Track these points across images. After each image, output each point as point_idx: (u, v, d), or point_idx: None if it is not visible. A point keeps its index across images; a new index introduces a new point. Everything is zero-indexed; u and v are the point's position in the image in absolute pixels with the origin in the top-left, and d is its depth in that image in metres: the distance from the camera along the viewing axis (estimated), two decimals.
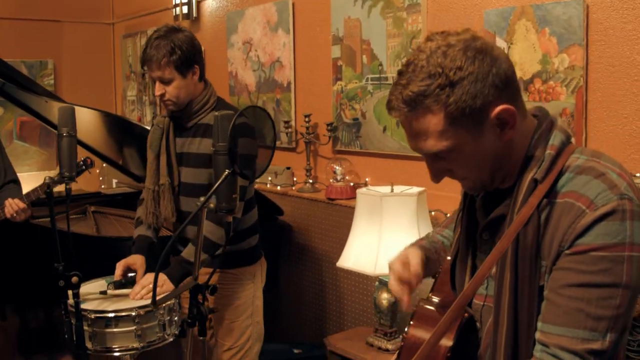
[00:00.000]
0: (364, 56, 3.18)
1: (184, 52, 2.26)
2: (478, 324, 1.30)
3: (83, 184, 4.85)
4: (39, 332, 4.28)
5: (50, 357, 3.90)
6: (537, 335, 1.15)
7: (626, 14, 2.21)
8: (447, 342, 1.25)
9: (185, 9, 4.55)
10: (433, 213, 2.74)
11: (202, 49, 2.44)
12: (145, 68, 2.32)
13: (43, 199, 2.91)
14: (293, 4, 3.64)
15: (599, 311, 1.09)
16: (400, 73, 1.16)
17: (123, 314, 2.08)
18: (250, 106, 2.13)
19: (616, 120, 2.26)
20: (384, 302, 2.67)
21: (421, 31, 2.89)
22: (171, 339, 2.17)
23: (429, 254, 1.47)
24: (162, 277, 2.20)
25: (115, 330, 2.07)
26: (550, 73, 2.41)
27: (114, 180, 5.35)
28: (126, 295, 2.22)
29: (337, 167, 3.25)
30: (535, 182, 1.16)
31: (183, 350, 2.67)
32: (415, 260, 1.40)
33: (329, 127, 3.35)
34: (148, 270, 2.32)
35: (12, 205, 2.93)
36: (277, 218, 3.54)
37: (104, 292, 2.23)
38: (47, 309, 4.21)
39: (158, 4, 4.99)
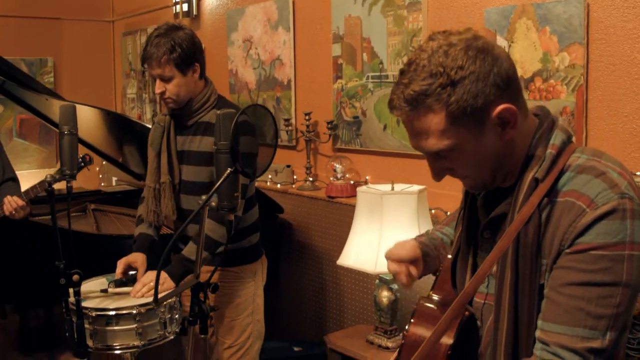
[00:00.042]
0: (365, 54, 3.18)
1: (184, 50, 2.26)
2: (479, 322, 1.30)
3: (83, 182, 4.86)
4: (38, 330, 4.29)
5: (50, 355, 3.91)
6: (537, 333, 1.15)
7: (626, 13, 2.21)
8: (447, 340, 1.26)
9: (185, 7, 4.55)
10: (433, 211, 2.75)
11: (203, 46, 2.43)
12: (146, 66, 2.32)
13: (43, 196, 2.91)
14: (293, 2, 3.64)
15: (599, 310, 1.09)
16: (402, 72, 1.17)
17: (124, 312, 2.08)
18: (251, 104, 2.14)
19: (616, 119, 2.27)
20: (384, 300, 2.67)
21: (422, 29, 2.89)
22: (172, 337, 2.17)
23: (428, 250, 1.48)
24: (163, 275, 2.20)
25: (116, 328, 2.07)
26: (550, 72, 2.41)
27: (114, 178, 5.35)
28: (127, 294, 2.22)
29: (337, 165, 3.25)
30: (536, 181, 1.17)
31: (184, 348, 2.68)
32: (411, 242, 1.44)
33: (329, 125, 3.35)
34: (149, 268, 2.32)
35: (11, 203, 2.94)
36: (277, 216, 3.54)
37: (104, 291, 2.23)
38: (47, 307, 4.22)
39: (158, 2, 4.99)
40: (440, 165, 1.22)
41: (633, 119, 2.23)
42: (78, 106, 2.37)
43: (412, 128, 1.18)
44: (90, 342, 2.08)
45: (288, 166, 3.65)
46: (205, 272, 1.87)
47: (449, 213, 2.65)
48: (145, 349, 2.12)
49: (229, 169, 1.54)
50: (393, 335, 2.69)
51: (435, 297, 1.44)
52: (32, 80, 3.97)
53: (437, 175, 1.24)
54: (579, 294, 1.10)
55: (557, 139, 1.19)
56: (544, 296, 1.16)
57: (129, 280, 2.28)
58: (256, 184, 2.69)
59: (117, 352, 2.11)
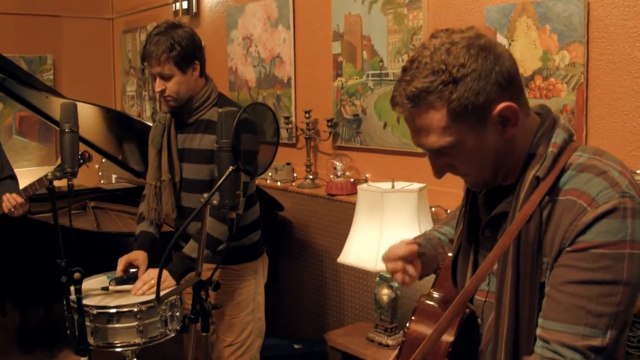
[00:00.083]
0: (365, 52, 3.19)
1: (183, 48, 2.26)
2: (479, 320, 1.31)
3: (83, 180, 4.86)
4: (38, 327, 4.29)
5: (50, 352, 3.91)
6: (538, 331, 1.16)
7: (627, 11, 2.21)
8: (448, 337, 1.26)
9: (185, 4, 4.55)
10: (434, 209, 2.75)
11: (203, 44, 2.43)
12: (146, 64, 2.32)
13: (44, 194, 2.91)
14: (293, 0, 3.63)
15: (599, 308, 1.09)
16: (404, 69, 1.18)
17: (125, 309, 2.08)
18: (253, 103, 2.14)
19: (616, 117, 2.27)
20: (385, 298, 2.68)
21: (422, 27, 2.89)
22: (173, 335, 2.18)
23: (424, 250, 1.49)
24: (164, 272, 2.20)
25: (117, 325, 2.08)
26: (550, 70, 2.42)
27: (114, 176, 5.35)
28: (128, 291, 2.22)
29: (338, 163, 3.25)
30: (537, 180, 1.17)
31: (185, 346, 2.69)
32: (407, 242, 1.44)
33: (329, 123, 3.35)
34: (150, 266, 2.33)
35: (10, 200, 2.94)
36: (277, 214, 3.54)
37: (105, 288, 2.23)
38: (47, 305, 4.22)
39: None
40: (442, 162, 1.23)
41: (633, 117, 2.23)
42: (78, 104, 2.37)
43: (413, 125, 1.19)
44: (91, 340, 2.08)
45: (288, 164, 3.65)
46: (206, 270, 1.87)
47: (449, 211, 2.65)
48: (146, 346, 2.13)
49: (231, 167, 1.54)
50: (393, 333, 2.69)
51: (436, 295, 1.44)
52: (32, 78, 3.97)
53: (438, 172, 1.25)
54: (579, 292, 1.10)
55: (558, 137, 1.19)
56: (545, 294, 1.16)
57: (129, 278, 2.28)
58: (256, 181, 2.70)
59: (118, 349, 2.11)
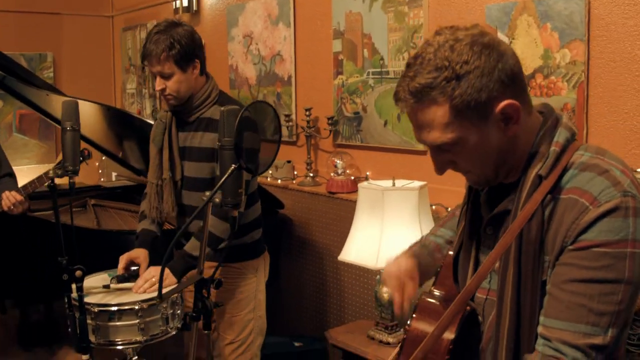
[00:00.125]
0: (365, 50, 3.19)
1: (183, 46, 2.26)
2: (480, 318, 1.31)
3: (83, 177, 4.86)
4: (39, 325, 4.30)
5: (50, 350, 3.91)
6: (540, 329, 1.16)
7: (628, 10, 2.22)
8: (449, 335, 1.27)
9: (185, 2, 4.54)
10: (434, 207, 2.75)
11: (203, 42, 2.43)
12: (146, 63, 2.32)
13: (44, 192, 2.92)
14: None
15: (601, 307, 1.10)
16: (408, 65, 1.18)
17: (126, 307, 2.09)
18: (255, 101, 2.14)
19: (617, 116, 2.27)
20: (385, 296, 2.68)
21: (422, 26, 2.90)
22: (174, 333, 2.18)
23: (421, 259, 1.49)
24: (165, 270, 2.21)
25: (118, 323, 2.08)
26: (551, 68, 2.42)
27: (114, 174, 5.35)
28: (129, 289, 2.23)
29: (338, 161, 3.25)
30: (539, 178, 1.17)
31: (186, 344, 2.69)
32: (407, 262, 1.44)
33: (330, 121, 3.35)
34: (151, 263, 2.33)
35: (10, 198, 2.94)
36: (277, 212, 3.55)
37: (107, 286, 2.23)
38: (47, 303, 4.22)
39: None
40: (443, 158, 1.23)
41: (633, 116, 2.23)
42: (78, 102, 2.37)
43: (416, 121, 1.19)
44: (92, 338, 2.09)
45: (288, 162, 3.66)
46: (207, 268, 1.88)
47: (449, 209, 2.66)
48: (147, 344, 2.13)
49: (233, 165, 1.55)
50: (394, 331, 2.70)
51: (437, 293, 1.44)
52: (32, 76, 3.96)
53: (440, 168, 1.25)
54: (581, 291, 1.11)
55: (560, 136, 1.19)
56: (547, 292, 1.16)
57: (131, 276, 2.28)
58: (257, 179, 2.69)
59: (120, 347, 2.12)
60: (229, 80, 4.20)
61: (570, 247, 1.12)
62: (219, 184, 1.54)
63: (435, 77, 1.13)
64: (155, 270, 2.25)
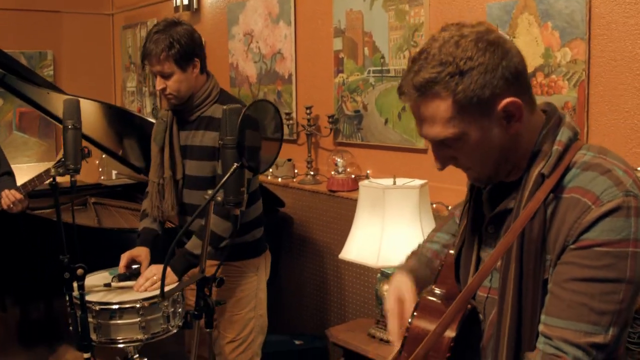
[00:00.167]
0: (366, 48, 3.19)
1: (182, 46, 2.26)
2: (481, 316, 1.31)
3: (83, 175, 4.85)
4: (39, 323, 4.30)
5: (51, 348, 3.91)
6: (541, 327, 1.16)
7: (629, 9, 2.22)
8: (450, 333, 1.27)
9: (185, 0, 4.54)
10: (435, 205, 2.76)
11: (203, 41, 2.43)
12: (146, 62, 2.32)
13: (45, 190, 2.92)
14: None
15: (602, 306, 1.10)
16: (413, 60, 1.19)
17: (127, 305, 2.09)
18: (258, 100, 2.14)
19: (618, 114, 2.27)
20: (386, 294, 2.68)
21: (423, 24, 2.90)
22: (175, 331, 2.18)
23: (419, 272, 1.48)
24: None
25: (119, 322, 2.09)
26: (552, 67, 2.42)
27: (114, 172, 5.35)
28: (130, 288, 2.23)
29: (339, 159, 3.26)
30: (542, 177, 1.18)
31: (187, 342, 2.69)
32: (409, 294, 1.42)
33: (330, 120, 3.35)
34: (152, 262, 2.33)
35: (9, 196, 2.93)
36: (278, 210, 3.55)
37: (108, 285, 2.24)
38: (47, 301, 4.22)
39: None
40: (445, 154, 1.23)
41: (634, 115, 2.23)
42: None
43: (419, 114, 1.20)
44: (93, 336, 2.09)
45: (289, 160, 3.66)
46: (209, 267, 1.88)
47: (450, 207, 2.66)
48: (148, 342, 2.14)
49: (235, 164, 1.55)
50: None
51: (437, 291, 1.44)
52: (32, 74, 3.96)
53: (441, 163, 1.25)
54: (582, 290, 1.11)
55: (563, 135, 1.20)
56: (548, 291, 1.17)
57: (132, 274, 2.28)
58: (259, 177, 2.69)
59: (121, 345, 2.12)
60: (229, 79, 4.20)
61: (572, 246, 1.13)
62: (222, 182, 1.54)
63: (439, 72, 1.13)
64: (156, 269, 2.25)
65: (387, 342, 2.67)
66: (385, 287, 2.69)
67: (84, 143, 3.54)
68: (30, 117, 5.49)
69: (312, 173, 3.50)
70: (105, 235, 3.36)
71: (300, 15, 3.62)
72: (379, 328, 2.73)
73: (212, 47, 4.30)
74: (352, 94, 3.28)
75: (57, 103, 3.77)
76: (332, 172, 3.29)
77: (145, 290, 2.19)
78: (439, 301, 1.39)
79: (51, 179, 2.09)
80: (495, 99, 1.14)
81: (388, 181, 2.62)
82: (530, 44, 2.47)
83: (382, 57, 3.10)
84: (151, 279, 2.21)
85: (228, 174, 1.53)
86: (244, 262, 2.44)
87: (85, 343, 2.06)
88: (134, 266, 2.32)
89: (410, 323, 1.37)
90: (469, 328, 1.30)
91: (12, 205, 2.94)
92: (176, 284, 2.23)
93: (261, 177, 3.61)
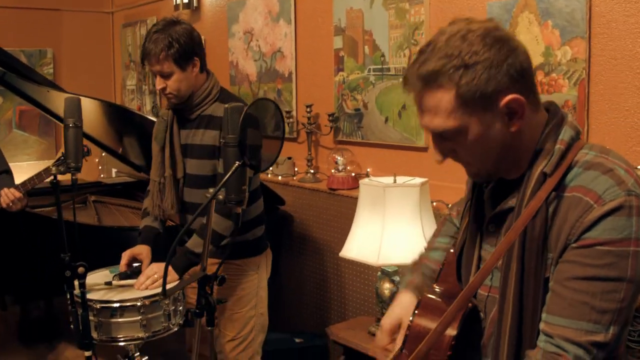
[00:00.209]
0: (366, 47, 3.19)
1: (181, 45, 2.25)
2: (482, 314, 1.32)
3: (83, 174, 4.86)
4: (39, 321, 4.30)
5: (51, 346, 3.92)
6: (542, 326, 1.17)
7: (629, 7, 2.22)
8: (451, 331, 1.27)
9: None
10: (435, 204, 2.76)
11: (203, 39, 2.42)
12: (146, 62, 2.32)
13: (46, 188, 2.92)
14: None
15: (603, 304, 1.11)
16: (420, 51, 1.20)
17: (128, 304, 2.09)
18: (260, 98, 2.14)
19: (618, 113, 2.28)
20: (386, 292, 2.69)
21: (423, 23, 2.90)
22: (176, 329, 2.19)
23: (420, 288, 1.48)
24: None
25: (120, 320, 2.09)
26: (552, 65, 2.42)
27: (114, 170, 5.36)
28: (131, 286, 2.23)
29: (339, 158, 3.26)
30: (544, 176, 1.18)
31: (188, 340, 2.70)
32: (411, 300, 1.43)
33: (331, 118, 3.36)
34: (153, 260, 2.33)
35: (8, 195, 2.93)
36: (278, 208, 3.55)
37: (109, 283, 2.24)
38: (47, 299, 4.23)
39: None
40: (445, 146, 1.23)
41: (634, 113, 2.24)
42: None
43: (422, 105, 1.20)
44: (94, 334, 2.09)
45: (289, 158, 3.66)
46: (210, 265, 1.88)
47: (450, 205, 2.66)
48: (149, 340, 2.14)
49: (237, 162, 1.55)
50: (397, 331, 2.69)
51: (439, 290, 1.45)
52: (32, 72, 3.96)
53: (441, 155, 1.25)
54: (583, 288, 1.11)
55: (566, 134, 1.20)
56: (549, 289, 1.17)
57: (133, 272, 2.29)
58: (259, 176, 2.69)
59: (122, 343, 2.12)
60: (229, 77, 4.20)
61: (574, 245, 1.13)
62: (223, 180, 1.54)
63: (444, 63, 1.14)
64: (157, 267, 2.25)
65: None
66: (386, 285, 2.70)
67: (85, 141, 3.54)
68: (30, 115, 5.49)
69: (312, 171, 3.50)
70: (105, 234, 3.37)
71: (301, 14, 3.62)
72: (379, 326, 2.73)
73: (212, 46, 4.31)
74: (352, 92, 3.28)
75: (57, 101, 3.78)
76: (333, 171, 3.29)
77: (146, 288, 2.19)
78: (440, 299, 1.39)
79: (52, 177, 2.09)
80: (499, 95, 1.15)
81: (388, 179, 2.63)
82: (530, 42, 2.47)
83: (383, 55, 3.10)
84: (152, 277, 2.22)
85: (230, 172, 1.54)
86: (245, 260, 2.44)
87: (87, 341, 2.06)
88: (135, 264, 2.32)
89: (411, 321, 1.37)
90: (469, 326, 1.31)
91: (11, 204, 2.94)
92: (177, 282, 2.23)
93: (261, 175, 3.62)
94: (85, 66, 5.67)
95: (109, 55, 5.86)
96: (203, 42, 2.43)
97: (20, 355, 3.81)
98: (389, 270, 2.69)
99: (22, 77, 3.68)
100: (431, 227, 2.51)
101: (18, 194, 2.94)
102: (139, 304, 2.09)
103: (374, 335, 2.72)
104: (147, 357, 2.19)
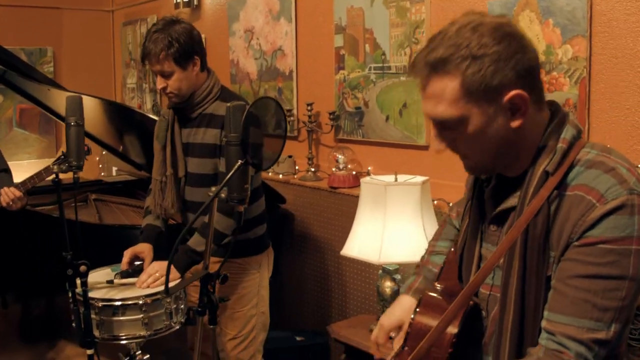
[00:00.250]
0: (367, 45, 3.19)
1: (181, 44, 2.25)
2: (484, 313, 1.32)
3: (83, 172, 4.86)
4: (40, 319, 4.31)
5: (52, 344, 3.93)
6: (544, 323, 1.17)
7: (630, 6, 2.22)
8: (452, 329, 1.28)
9: None
10: (436, 202, 2.76)
11: (203, 38, 2.42)
12: (146, 62, 2.32)
13: (47, 186, 2.92)
14: None
15: (605, 302, 1.11)
16: (430, 39, 1.20)
17: (130, 302, 2.09)
18: (263, 97, 2.14)
19: (619, 112, 2.28)
20: (387, 290, 2.69)
21: (424, 21, 2.90)
22: (177, 327, 2.19)
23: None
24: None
25: (122, 318, 2.09)
26: (553, 64, 2.42)
27: (114, 168, 5.36)
28: (133, 284, 2.23)
29: (340, 156, 3.26)
30: (546, 174, 1.18)
31: (189, 339, 2.70)
32: (412, 303, 1.45)
33: (331, 116, 3.36)
34: (155, 258, 2.33)
35: (8, 194, 2.92)
36: (279, 207, 3.55)
37: (110, 282, 2.24)
38: (48, 297, 4.23)
39: None
40: (445, 135, 1.24)
41: (635, 112, 2.24)
42: None
43: (426, 92, 1.20)
44: (96, 332, 2.09)
45: (290, 156, 3.66)
46: (211, 263, 1.88)
47: (451, 204, 2.66)
48: (150, 339, 2.14)
49: (240, 161, 1.55)
50: (395, 331, 2.70)
51: (440, 288, 1.46)
52: (33, 70, 3.96)
53: (440, 142, 1.25)
54: (585, 286, 1.12)
55: (567, 133, 1.20)
56: (551, 287, 1.17)
57: (134, 271, 2.29)
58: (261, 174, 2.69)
59: (123, 342, 2.13)
60: (230, 75, 4.20)
61: (576, 243, 1.13)
62: (226, 179, 1.55)
63: (452, 52, 1.14)
64: (159, 265, 2.25)
65: (390, 338, 2.68)
66: (387, 283, 2.70)
67: (87, 140, 3.54)
68: (30, 113, 5.49)
69: (313, 170, 3.50)
70: (107, 232, 3.37)
71: (301, 12, 3.62)
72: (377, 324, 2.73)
73: (213, 44, 4.31)
74: (353, 90, 3.28)
75: (57, 99, 3.78)
76: (333, 169, 3.29)
77: (148, 286, 2.20)
78: (441, 297, 1.40)
79: (54, 176, 2.09)
80: (503, 89, 1.15)
81: (389, 178, 2.63)
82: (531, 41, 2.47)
83: (383, 53, 3.10)
84: (154, 276, 2.22)
85: (232, 171, 1.54)
86: (246, 259, 2.44)
87: (89, 339, 2.07)
88: (137, 263, 2.32)
89: (412, 319, 1.38)
90: (471, 324, 1.31)
91: (11, 203, 2.94)
92: (178, 280, 2.23)
93: (262, 174, 3.62)
94: (85, 64, 5.67)
95: (109, 53, 5.86)
96: (203, 40, 2.43)
97: (21, 353, 3.82)
98: (390, 268, 2.70)
99: (23, 75, 3.68)
100: (432, 226, 2.51)
101: (18, 193, 2.93)
102: (140, 302, 2.09)
103: (371, 335, 2.72)
104: (148, 356, 2.19)
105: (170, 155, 2.39)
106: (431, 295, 1.42)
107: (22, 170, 3.41)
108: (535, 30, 2.46)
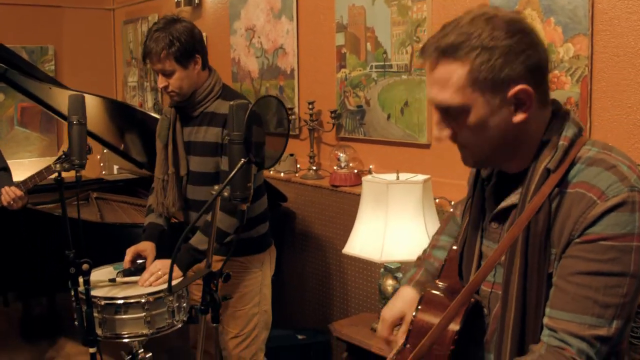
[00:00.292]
0: (368, 44, 3.19)
1: (182, 43, 2.25)
2: (485, 310, 1.32)
3: (84, 170, 4.86)
4: (41, 318, 4.32)
5: (53, 342, 3.93)
6: (545, 320, 1.18)
7: (631, 4, 2.22)
8: (454, 326, 1.28)
9: None
10: (438, 200, 2.76)
11: (204, 36, 2.42)
12: (147, 61, 2.32)
13: (49, 185, 2.92)
14: None
15: (606, 299, 1.12)
16: (444, 26, 1.21)
17: (132, 300, 2.10)
18: (265, 96, 2.15)
19: (620, 110, 2.28)
20: (389, 289, 2.70)
21: (426, 19, 2.90)
22: (180, 325, 2.19)
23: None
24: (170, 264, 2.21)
25: (124, 316, 2.10)
26: (555, 62, 2.42)
27: (115, 166, 5.36)
28: (135, 282, 2.24)
29: (341, 154, 3.26)
30: (548, 172, 1.19)
31: (191, 337, 2.70)
32: (412, 295, 1.46)
33: (333, 115, 3.36)
34: (158, 257, 2.34)
35: (9, 193, 2.92)
36: (280, 205, 3.56)
37: (113, 280, 2.25)
38: (50, 295, 4.24)
39: None
40: (447, 123, 1.23)
41: (637, 110, 2.24)
42: None
43: (433, 76, 1.21)
44: (99, 331, 2.10)
45: (291, 155, 3.66)
46: (214, 262, 1.88)
47: (453, 202, 2.67)
48: (153, 337, 2.15)
49: (243, 159, 1.56)
50: (398, 324, 2.70)
51: (442, 285, 1.46)
52: (34, 69, 3.96)
53: (441, 130, 1.25)
54: (587, 283, 1.12)
55: (569, 131, 1.21)
56: (553, 284, 1.18)
57: (137, 269, 2.29)
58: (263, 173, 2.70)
59: (126, 340, 2.13)
60: (231, 74, 4.20)
61: (577, 240, 1.14)
62: (229, 177, 1.55)
63: (463, 40, 1.15)
64: (161, 264, 2.26)
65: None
66: (389, 282, 2.71)
67: (88, 139, 3.55)
68: (31, 112, 5.49)
69: (314, 168, 3.51)
70: (109, 230, 3.37)
71: (303, 10, 3.62)
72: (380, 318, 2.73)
73: (214, 42, 4.31)
74: (354, 89, 3.29)
75: (59, 98, 3.78)
76: (335, 167, 3.29)
77: (150, 285, 2.20)
78: (443, 295, 1.40)
79: (57, 175, 2.09)
80: (510, 83, 1.15)
81: (391, 176, 2.63)
82: None
83: (385, 52, 3.11)
84: (156, 274, 2.22)
85: (235, 170, 1.54)
86: (248, 257, 2.44)
87: (91, 338, 2.07)
88: (139, 261, 2.33)
89: (414, 316, 1.38)
90: (472, 322, 1.31)
91: (12, 202, 2.94)
92: (181, 278, 2.24)
93: (264, 172, 3.63)
94: (86, 63, 5.67)
95: (111, 52, 5.86)
96: (204, 39, 2.43)
97: (22, 351, 3.83)
98: (392, 267, 2.70)
99: (24, 74, 3.68)
100: (434, 224, 2.51)
101: (19, 192, 2.93)
102: (143, 300, 2.10)
103: (376, 331, 2.73)
104: (150, 354, 2.20)
105: (172, 154, 2.39)
106: (433, 293, 1.42)
107: (23, 168, 3.41)
108: (536, 29, 2.46)
